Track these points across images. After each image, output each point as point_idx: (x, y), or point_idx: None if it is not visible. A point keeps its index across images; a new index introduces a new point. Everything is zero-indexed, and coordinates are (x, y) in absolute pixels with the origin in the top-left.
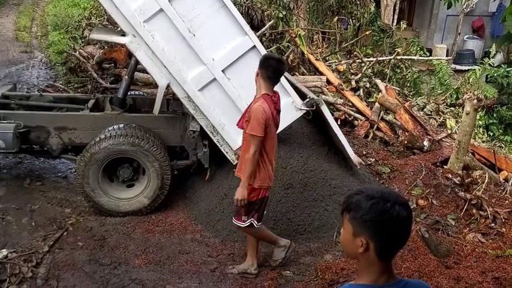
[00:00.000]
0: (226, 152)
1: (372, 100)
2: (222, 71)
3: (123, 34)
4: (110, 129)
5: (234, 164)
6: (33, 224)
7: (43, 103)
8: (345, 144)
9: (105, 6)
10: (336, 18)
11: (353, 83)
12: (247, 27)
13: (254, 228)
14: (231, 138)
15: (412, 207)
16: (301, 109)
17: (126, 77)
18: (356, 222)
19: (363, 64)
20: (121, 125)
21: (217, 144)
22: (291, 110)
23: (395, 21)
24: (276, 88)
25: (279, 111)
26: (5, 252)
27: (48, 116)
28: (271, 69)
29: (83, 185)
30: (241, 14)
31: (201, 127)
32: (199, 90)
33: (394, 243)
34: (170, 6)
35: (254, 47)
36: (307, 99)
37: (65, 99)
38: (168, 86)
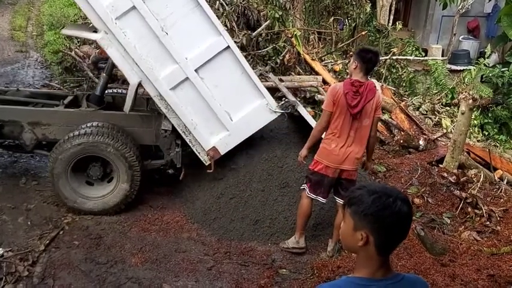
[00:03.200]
0: (199, 153)
1: None
2: (195, 70)
3: (95, 30)
4: (83, 126)
5: (207, 164)
6: (29, 223)
7: (19, 98)
8: None
9: (77, 2)
10: (332, 18)
11: None
12: (221, 28)
13: (302, 195)
14: (203, 138)
15: None
16: (275, 111)
17: (104, 74)
18: (357, 216)
19: None
20: (94, 123)
21: (190, 144)
22: (264, 111)
23: (391, 21)
24: (250, 90)
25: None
26: (1, 251)
27: (22, 110)
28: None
29: (53, 182)
30: (238, 14)
31: (174, 126)
32: (171, 89)
33: (393, 237)
34: (143, 3)
35: (228, 47)
36: (282, 102)
37: (43, 95)
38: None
